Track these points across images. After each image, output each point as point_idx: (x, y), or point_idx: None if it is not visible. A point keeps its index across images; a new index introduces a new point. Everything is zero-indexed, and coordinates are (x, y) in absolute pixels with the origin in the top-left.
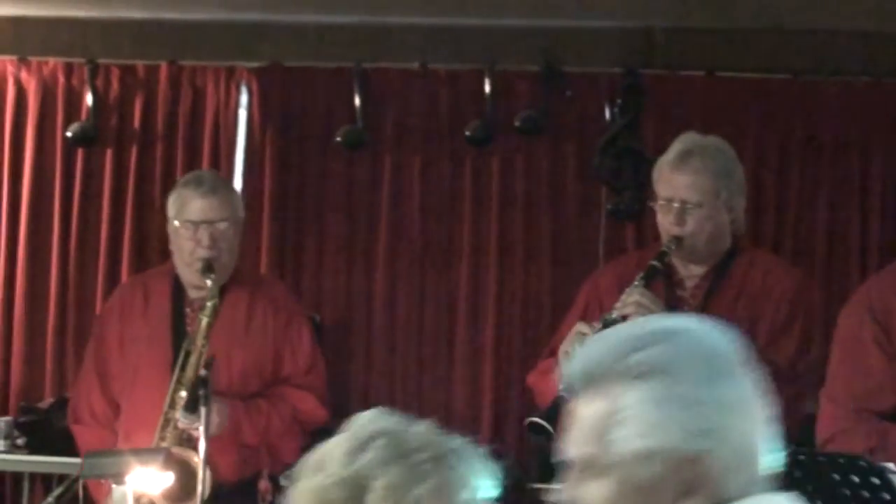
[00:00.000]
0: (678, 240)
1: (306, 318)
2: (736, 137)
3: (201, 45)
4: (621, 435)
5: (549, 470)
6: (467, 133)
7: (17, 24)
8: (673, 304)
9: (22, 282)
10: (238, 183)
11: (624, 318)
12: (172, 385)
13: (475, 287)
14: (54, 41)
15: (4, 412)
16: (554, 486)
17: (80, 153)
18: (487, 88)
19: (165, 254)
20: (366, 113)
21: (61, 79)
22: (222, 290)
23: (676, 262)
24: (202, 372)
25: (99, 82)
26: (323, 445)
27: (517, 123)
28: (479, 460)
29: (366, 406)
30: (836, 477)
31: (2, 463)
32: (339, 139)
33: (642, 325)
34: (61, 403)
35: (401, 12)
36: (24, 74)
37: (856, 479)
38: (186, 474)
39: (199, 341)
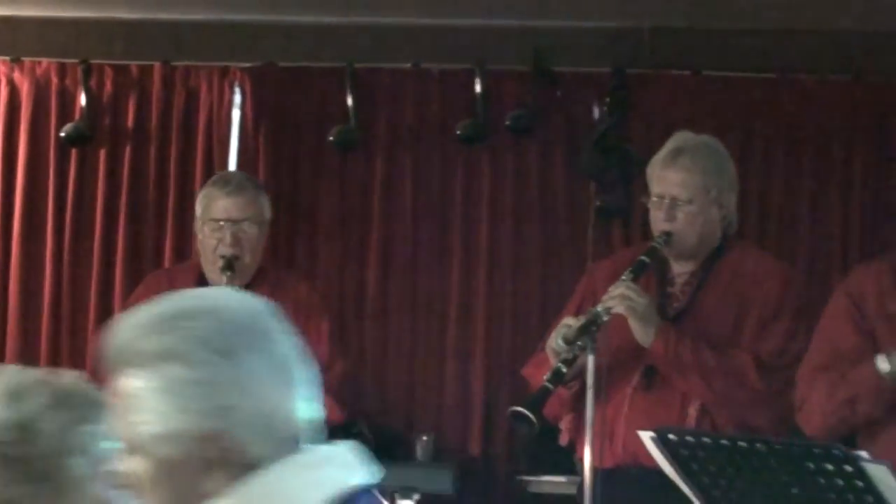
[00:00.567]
0: (668, 235)
1: (327, 317)
2: (721, 134)
3: (195, 45)
4: (141, 419)
5: (537, 460)
6: (458, 132)
7: (10, 24)
8: (662, 300)
9: (16, 281)
10: None
11: (608, 311)
12: None
13: (466, 284)
14: (47, 41)
15: None
16: (542, 476)
17: (73, 153)
18: (478, 88)
19: (159, 252)
20: (358, 113)
21: (55, 79)
22: (245, 289)
23: (668, 257)
24: None
25: (92, 82)
26: None
27: (508, 122)
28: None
29: (361, 401)
30: (811, 465)
31: None
32: (331, 139)
33: (168, 305)
34: None
35: (393, 13)
36: (17, 75)
37: (830, 467)
38: None
39: None
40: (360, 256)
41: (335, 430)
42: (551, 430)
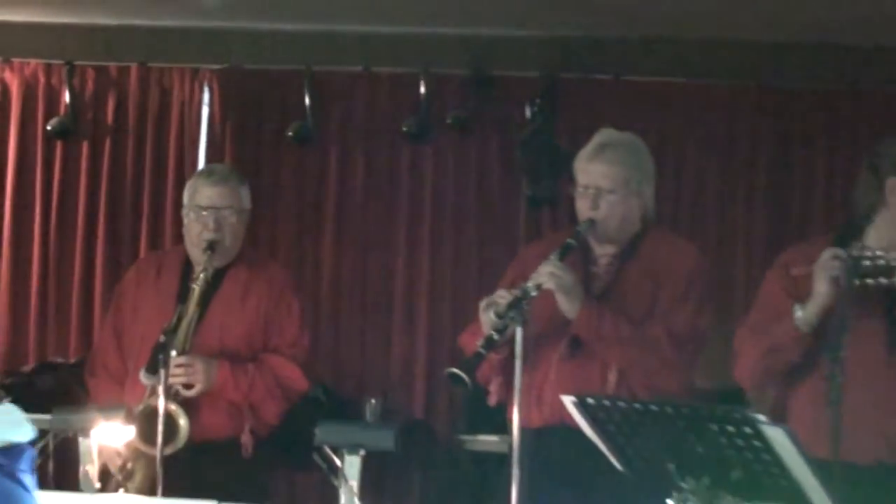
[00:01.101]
0: (592, 221)
1: (298, 297)
2: (639, 134)
3: (168, 48)
4: None
5: (473, 421)
6: (405, 129)
7: (1, 28)
8: (587, 279)
9: (7, 260)
10: None
11: (538, 286)
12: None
13: (410, 264)
14: (35, 44)
15: None
16: (478, 435)
17: (58, 145)
18: (423, 90)
19: (136, 234)
20: (315, 111)
21: (41, 78)
22: (225, 269)
23: (592, 241)
24: (161, 338)
25: (76, 82)
26: None
27: (449, 121)
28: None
29: (316, 371)
30: (714, 427)
31: None
32: (290, 134)
33: None
34: (42, 367)
35: (346, 22)
36: (7, 74)
37: (731, 428)
38: (168, 426)
39: (190, 308)
40: (315, 240)
41: (301, 398)
42: (488, 395)
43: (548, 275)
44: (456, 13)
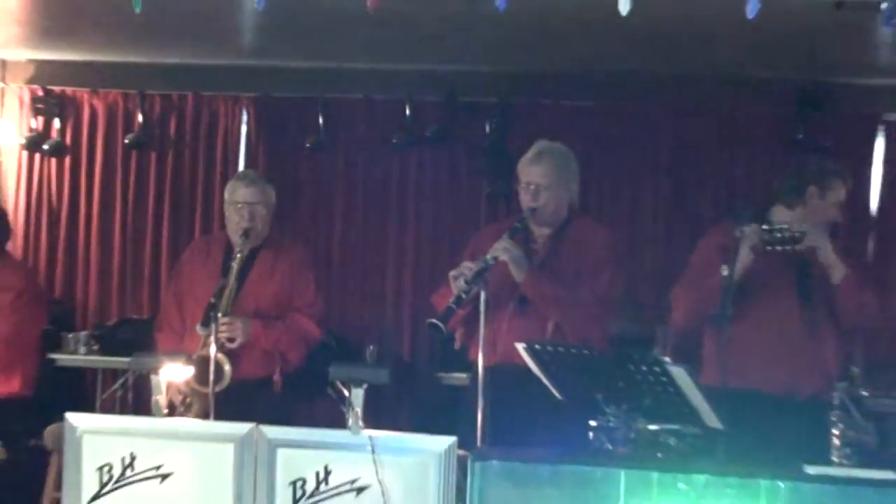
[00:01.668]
0: (533, 210)
1: (314, 271)
2: (571, 144)
3: (216, 81)
4: None
5: (447, 362)
6: (394, 141)
7: (92, 66)
8: (528, 254)
9: (96, 242)
10: None
11: (495, 258)
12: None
13: (399, 244)
14: (116, 78)
15: (84, 328)
16: (451, 373)
17: (133, 155)
18: (408, 112)
19: (191, 222)
20: (326, 128)
21: (121, 104)
22: (257, 250)
23: (532, 226)
24: (211, 300)
25: (147, 106)
26: None
27: (427, 135)
28: None
29: (328, 324)
30: (631, 367)
31: (84, 362)
32: (308, 145)
33: None
34: (123, 322)
35: (350, 60)
36: (95, 101)
37: (644, 368)
38: (217, 370)
39: (231, 280)
40: (327, 225)
41: (318, 345)
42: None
43: (502, 249)
44: (433, 54)
